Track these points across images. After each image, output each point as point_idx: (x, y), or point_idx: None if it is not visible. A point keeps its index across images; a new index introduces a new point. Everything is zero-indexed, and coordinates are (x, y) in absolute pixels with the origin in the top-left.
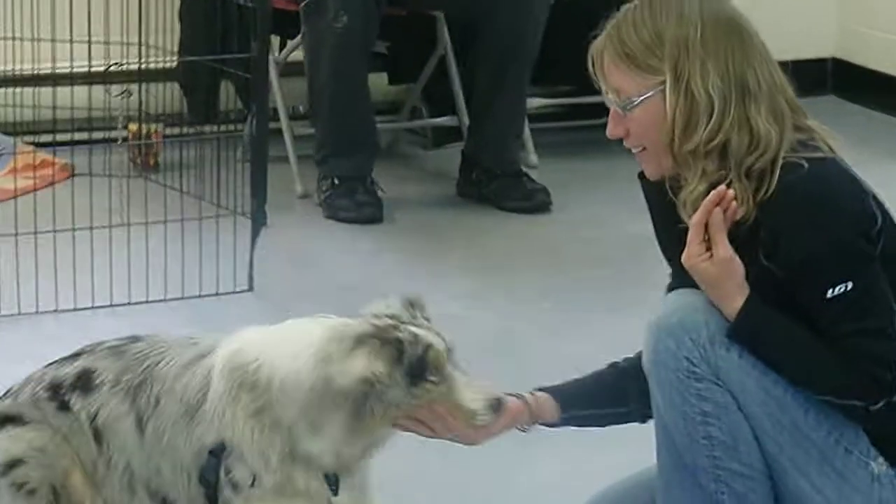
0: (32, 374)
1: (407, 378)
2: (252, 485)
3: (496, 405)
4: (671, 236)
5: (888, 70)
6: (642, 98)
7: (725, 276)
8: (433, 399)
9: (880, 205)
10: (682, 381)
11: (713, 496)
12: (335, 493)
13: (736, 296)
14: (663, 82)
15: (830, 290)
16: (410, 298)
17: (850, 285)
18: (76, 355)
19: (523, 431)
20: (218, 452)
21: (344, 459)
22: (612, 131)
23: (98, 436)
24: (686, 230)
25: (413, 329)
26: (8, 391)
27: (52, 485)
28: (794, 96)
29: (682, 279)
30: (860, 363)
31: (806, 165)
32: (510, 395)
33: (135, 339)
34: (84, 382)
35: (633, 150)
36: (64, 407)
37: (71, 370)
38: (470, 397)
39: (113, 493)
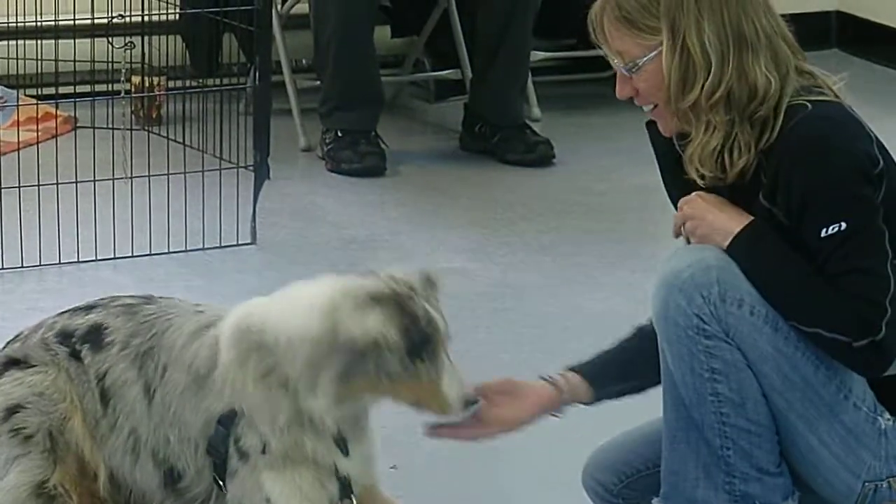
0: (44, 321)
1: (406, 351)
2: (263, 451)
3: (469, 403)
4: (678, 184)
5: (892, 23)
6: (645, 59)
7: (725, 203)
8: (418, 379)
9: (884, 150)
10: (692, 337)
11: (719, 452)
12: (346, 453)
13: (741, 217)
14: (662, 42)
15: (825, 230)
16: (429, 275)
17: (843, 225)
18: (90, 307)
19: (557, 417)
20: (227, 422)
21: (343, 420)
22: (620, 93)
23: (105, 396)
24: (693, 179)
25: (427, 306)
26: (18, 335)
27: (49, 430)
28: (794, 40)
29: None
30: (850, 300)
31: (810, 106)
32: (542, 378)
33: (148, 299)
34: (95, 337)
35: (646, 109)
36: (75, 355)
37: (83, 322)
38: (449, 387)
39: (115, 454)
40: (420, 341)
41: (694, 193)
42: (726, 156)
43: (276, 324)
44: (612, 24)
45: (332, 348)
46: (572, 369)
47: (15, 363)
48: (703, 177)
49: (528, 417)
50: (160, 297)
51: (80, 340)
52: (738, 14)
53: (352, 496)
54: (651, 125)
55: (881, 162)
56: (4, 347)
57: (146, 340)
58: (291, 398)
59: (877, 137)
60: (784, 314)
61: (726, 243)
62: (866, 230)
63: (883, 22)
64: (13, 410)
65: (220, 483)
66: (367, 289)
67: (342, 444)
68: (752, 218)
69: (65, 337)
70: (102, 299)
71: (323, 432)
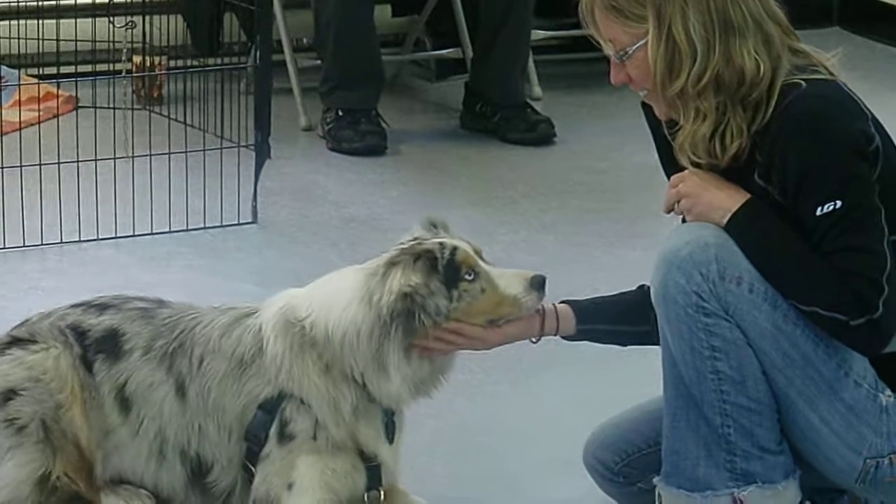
0: (54, 311)
1: (444, 283)
2: (314, 437)
3: (537, 282)
4: (674, 162)
5: (893, 0)
6: (634, 47)
7: (720, 180)
8: (476, 298)
9: (880, 127)
10: (692, 315)
11: (719, 430)
12: (391, 440)
13: (738, 195)
14: (649, 31)
15: (820, 208)
16: (431, 219)
17: (839, 203)
18: (102, 307)
19: (534, 342)
20: (270, 407)
21: (420, 388)
22: (614, 79)
23: (126, 404)
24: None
25: (436, 239)
26: (25, 321)
27: (42, 420)
28: (786, 20)
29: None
30: (847, 278)
31: (804, 85)
32: None
33: (161, 303)
34: (111, 346)
35: (641, 94)
36: (87, 362)
37: (97, 323)
38: (506, 283)
39: (136, 461)
40: (450, 269)
41: (688, 170)
42: (717, 141)
43: (324, 320)
44: (601, 12)
45: (385, 327)
46: (564, 301)
47: (18, 342)
48: (697, 164)
49: (506, 336)
50: (171, 301)
51: (94, 347)
52: (723, 0)
53: (380, 488)
54: (646, 105)
55: (876, 139)
56: (11, 331)
57: (172, 340)
58: (358, 388)
59: (873, 114)
60: (782, 293)
61: (724, 221)
62: (862, 208)
63: (885, 0)
64: (7, 397)
65: (252, 469)
66: (385, 259)
67: (391, 431)
68: (749, 195)
69: (79, 333)
70: (115, 298)
71: (372, 421)
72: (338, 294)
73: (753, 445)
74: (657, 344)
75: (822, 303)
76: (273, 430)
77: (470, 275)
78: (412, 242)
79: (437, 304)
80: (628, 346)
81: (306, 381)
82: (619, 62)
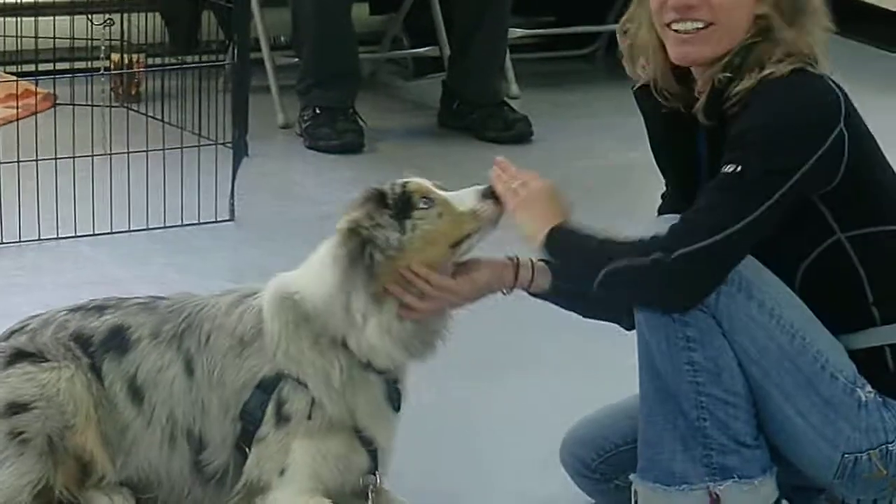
0: (52, 316)
1: (394, 217)
2: (309, 417)
3: (487, 192)
4: (665, 148)
5: (881, 3)
6: None
7: (554, 199)
8: (435, 223)
9: (856, 126)
10: None
11: (695, 423)
12: (397, 409)
13: (557, 217)
14: None
15: (727, 166)
16: (378, 188)
17: (739, 168)
18: (101, 308)
19: (504, 294)
20: (268, 387)
21: (409, 347)
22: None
23: (137, 394)
24: (684, 143)
25: (384, 186)
26: (23, 327)
27: (48, 436)
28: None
29: (675, 189)
30: (672, 224)
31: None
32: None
33: (157, 298)
34: (118, 342)
35: (688, 27)
36: (95, 367)
37: (100, 325)
38: (460, 201)
39: (150, 451)
40: (400, 199)
41: (534, 182)
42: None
43: (309, 291)
44: None
45: (344, 274)
46: (542, 260)
47: (26, 356)
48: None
49: (478, 286)
50: (167, 294)
51: (100, 348)
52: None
53: (377, 472)
54: (641, 90)
55: (839, 134)
56: (8, 337)
57: (180, 322)
58: (346, 354)
59: (855, 114)
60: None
61: (541, 235)
62: (755, 186)
63: (872, 2)
64: (16, 409)
65: (246, 451)
66: (344, 219)
67: (395, 398)
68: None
69: (83, 342)
70: (109, 299)
71: (371, 394)
72: (317, 264)
73: (730, 439)
74: (623, 326)
75: (627, 258)
76: (270, 411)
77: (426, 203)
78: (362, 197)
79: (388, 237)
80: (588, 318)
81: (300, 357)
82: None
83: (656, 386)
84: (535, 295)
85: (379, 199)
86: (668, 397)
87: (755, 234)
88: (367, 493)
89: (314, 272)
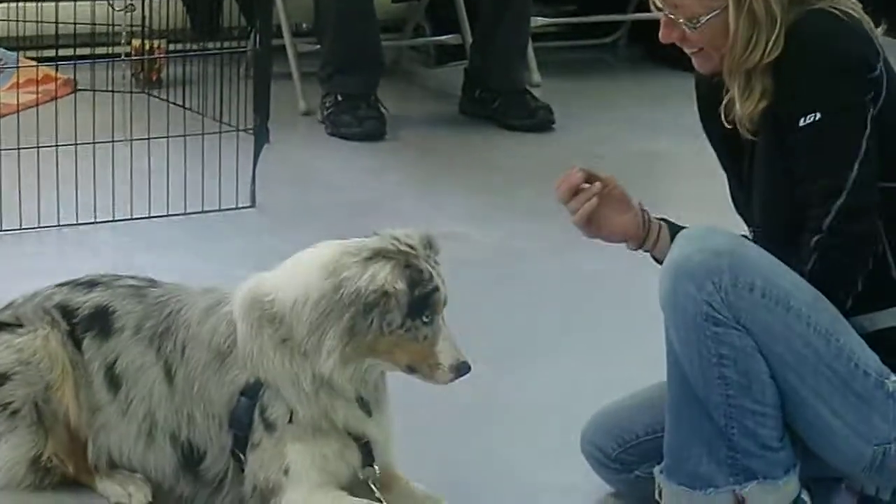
0: (39, 290)
1: (409, 307)
2: (290, 421)
3: (462, 369)
4: (711, 115)
5: None
6: (709, 17)
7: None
8: (416, 340)
9: (889, 68)
10: (700, 324)
11: (724, 430)
12: (369, 414)
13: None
14: (726, 3)
15: (803, 119)
16: (429, 237)
17: (818, 115)
18: (92, 284)
19: (631, 248)
20: (251, 393)
21: (352, 383)
22: (666, 37)
23: (115, 382)
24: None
25: (428, 266)
26: (10, 303)
27: (34, 402)
28: None
29: (727, 167)
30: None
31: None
32: (642, 208)
33: (153, 282)
34: (102, 323)
35: (687, 50)
36: (76, 339)
37: (86, 300)
38: (442, 350)
39: (125, 440)
40: (422, 299)
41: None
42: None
43: (283, 291)
44: None
45: (338, 305)
46: (663, 219)
47: (4, 327)
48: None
49: (617, 234)
50: (162, 281)
51: (83, 324)
52: None
53: (373, 465)
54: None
55: (879, 69)
56: None
57: (160, 322)
58: (311, 363)
59: (884, 55)
60: None
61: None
62: (840, 128)
63: None
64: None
65: (241, 457)
66: (371, 246)
67: (365, 406)
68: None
69: (66, 312)
70: (103, 276)
71: (347, 397)
72: (303, 265)
73: (756, 444)
74: None
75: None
76: (257, 417)
77: (427, 318)
78: (409, 250)
79: (393, 321)
80: None
81: (265, 360)
82: (687, 28)
83: (685, 391)
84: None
85: (414, 283)
86: (696, 403)
87: (872, 170)
88: (371, 486)
89: (300, 272)
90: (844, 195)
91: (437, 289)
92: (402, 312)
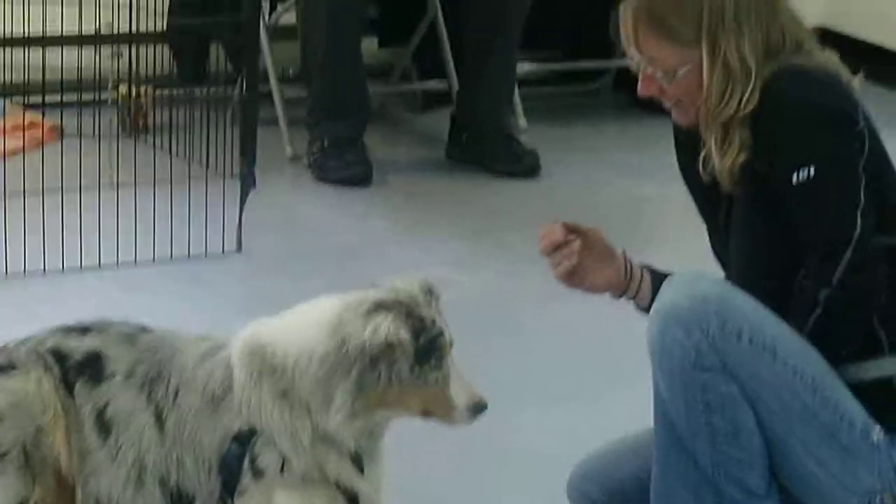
0: (31, 336)
1: (416, 355)
2: (281, 470)
3: (478, 408)
4: (691, 161)
5: (875, 39)
6: (683, 70)
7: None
8: (426, 386)
9: (869, 122)
10: (688, 371)
11: (711, 477)
12: (361, 471)
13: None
14: (700, 55)
15: (796, 176)
16: (429, 284)
17: (812, 169)
18: (84, 329)
19: (614, 298)
20: (243, 440)
21: (356, 437)
22: (644, 91)
23: (105, 428)
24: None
25: (430, 312)
26: (3, 348)
27: (23, 445)
28: (811, 33)
29: (704, 215)
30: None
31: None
32: (625, 256)
33: (144, 328)
34: (94, 369)
35: (665, 104)
36: (68, 384)
37: (79, 346)
38: (456, 391)
39: (114, 485)
40: (428, 346)
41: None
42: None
43: (285, 344)
44: (647, 30)
45: (344, 361)
46: (647, 267)
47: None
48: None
49: (599, 287)
50: (154, 327)
51: (75, 368)
52: (769, 22)
53: None
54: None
55: (861, 124)
56: None
57: (152, 366)
58: (312, 417)
59: (865, 111)
60: None
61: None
62: (836, 178)
63: (866, 38)
64: None
65: (230, 502)
66: (373, 298)
67: (358, 463)
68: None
69: (59, 356)
70: (95, 323)
71: (342, 450)
72: (305, 319)
73: (742, 492)
74: None
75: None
76: (246, 464)
77: (436, 362)
78: (410, 297)
79: (401, 371)
80: None
81: (264, 411)
82: (661, 82)
83: (671, 438)
84: (641, 309)
85: (418, 330)
86: (683, 448)
87: (872, 222)
88: None
89: (302, 327)
90: (851, 249)
91: (441, 333)
92: (409, 361)
